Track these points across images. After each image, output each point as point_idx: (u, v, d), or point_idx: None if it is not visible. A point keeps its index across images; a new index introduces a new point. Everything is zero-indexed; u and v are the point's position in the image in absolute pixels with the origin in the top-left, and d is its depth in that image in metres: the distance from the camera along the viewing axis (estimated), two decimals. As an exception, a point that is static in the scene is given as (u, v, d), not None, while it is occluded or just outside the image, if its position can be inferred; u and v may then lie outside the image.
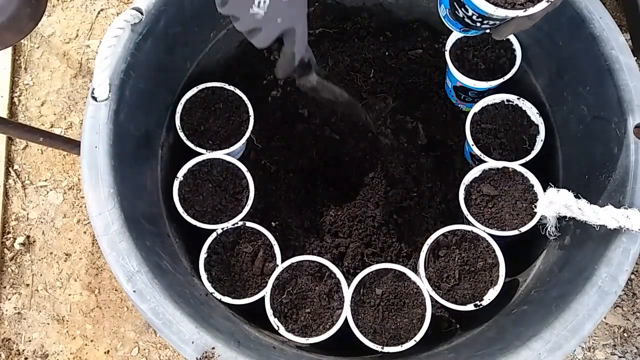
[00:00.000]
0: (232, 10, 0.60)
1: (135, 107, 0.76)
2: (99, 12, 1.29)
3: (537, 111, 0.83)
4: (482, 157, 0.82)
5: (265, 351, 0.69)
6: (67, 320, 1.11)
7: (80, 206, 1.17)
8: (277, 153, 0.96)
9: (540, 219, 0.77)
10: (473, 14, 0.64)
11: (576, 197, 0.69)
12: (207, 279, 0.77)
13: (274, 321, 0.75)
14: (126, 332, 1.10)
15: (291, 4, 0.62)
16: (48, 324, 1.11)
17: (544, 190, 0.76)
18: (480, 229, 0.77)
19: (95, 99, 0.71)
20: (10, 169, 1.20)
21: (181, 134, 0.83)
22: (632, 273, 1.07)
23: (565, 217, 0.71)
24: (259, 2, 0.59)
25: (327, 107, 0.85)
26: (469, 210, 0.79)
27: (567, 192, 0.71)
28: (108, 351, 1.09)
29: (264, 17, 0.60)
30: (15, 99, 1.24)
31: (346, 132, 0.97)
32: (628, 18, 1.17)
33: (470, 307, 0.74)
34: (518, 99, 0.84)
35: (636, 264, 1.02)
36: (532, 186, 0.79)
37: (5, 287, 1.14)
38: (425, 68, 0.99)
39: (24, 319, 1.12)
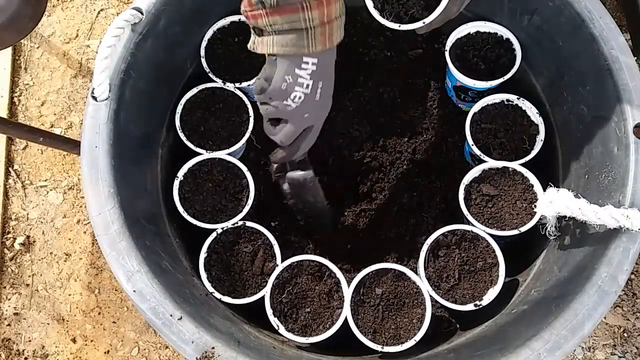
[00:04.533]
0: (267, 98, 0.67)
1: (136, 107, 0.76)
2: (99, 12, 1.29)
3: (537, 111, 0.83)
4: (482, 157, 0.82)
5: (265, 351, 0.69)
6: (67, 320, 1.11)
7: (80, 206, 1.17)
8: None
9: (540, 218, 0.77)
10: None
11: (576, 197, 0.69)
12: (207, 278, 0.77)
13: (274, 321, 0.75)
14: (126, 332, 1.10)
15: (322, 105, 0.68)
16: (48, 324, 1.11)
17: (544, 190, 0.76)
18: (480, 229, 0.77)
19: (95, 98, 0.71)
20: (10, 169, 1.20)
21: (181, 135, 0.83)
22: (632, 273, 1.07)
23: (565, 217, 0.71)
24: (295, 97, 0.65)
25: (296, 207, 0.86)
26: (468, 210, 0.79)
27: (567, 192, 0.71)
28: (108, 351, 1.09)
29: (294, 110, 0.66)
30: (15, 99, 1.24)
31: (346, 133, 0.97)
32: (628, 18, 1.17)
33: (470, 307, 0.74)
34: (518, 98, 0.84)
35: (636, 264, 1.02)
36: (532, 186, 0.79)
37: (5, 287, 1.14)
38: (425, 68, 0.98)
39: (24, 319, 1.12)
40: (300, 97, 0.65)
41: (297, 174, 0.79)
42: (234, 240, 0.80)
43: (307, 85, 0.65)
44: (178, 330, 0.63)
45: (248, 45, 0.66)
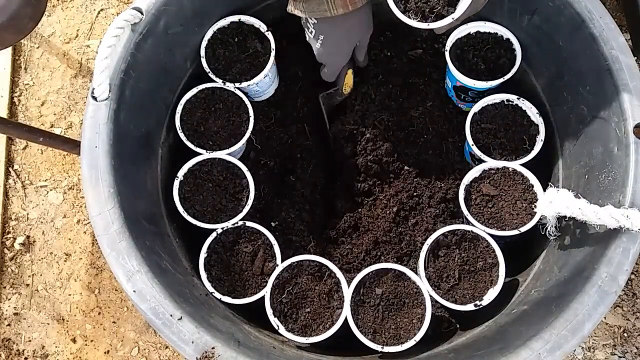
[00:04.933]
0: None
1: (136, 107, 0.76)
2: (99, 12, 1.29)
3: (537, 111, 0.83)
4: (482, 157, 0.82)
5: (265, 351, 0.69)
6: (67, 320, 1.11)
7: (80, 206, 1.17)
8: (277, 153, 0.96)
9: (540, 218, 0.77)
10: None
11: (576, 197, 0.69)
12: (207, 278, 0.77)
13: (274, 321, 0.75)
14: (126, 332, 1.10)
15: (325, 52, 0.86)
16: (48, 324, 1.11)
17: (544, 190, 0.76)
18: (480, 229, 0.77)
19: (95, 98, 0.71)
20: (10, 169, 1.20)
21: (181, 135, 0.83)
22: (632, 273, 1.07)
23: (565, 217, 0.71)
24: (307, 37, 0.86)
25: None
26: (469, 210, 0.79)
27: (567, 192, 0.71)
28: (108, 351, 1.09)
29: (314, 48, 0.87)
30: (15, 99, 1.24)
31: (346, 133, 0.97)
32: (628, 18, 1.17)
33: (470, 307, 0.74)
34: (518, 98, 0.84)
35: (636, 264, 1.02)
36: (532, 186, 0.79)
37: (5, 287, 1.14)
38: (425, 68, 0.99)
39: (24, 319, 1.12)
40: (308, 39, 0.86)
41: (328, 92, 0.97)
42: (234, 240, 0.80)
43: (312, 36, 0.84)
44: (178, 330, 0.63)
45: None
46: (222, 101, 0.86)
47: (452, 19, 0.62)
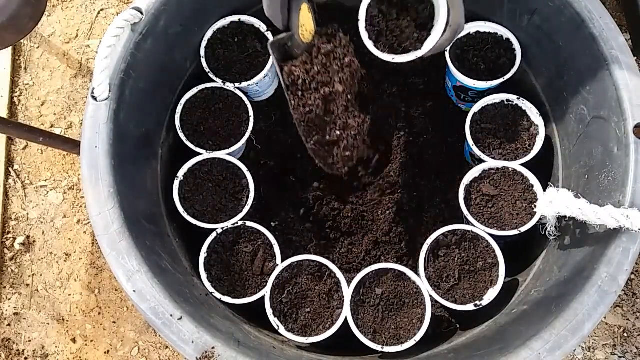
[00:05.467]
0: None
1: (136, 107, 0.76)
2: (99, 12, 1.29)
3: (537, 111, 0.83)
4: (482, 157, 0.82)
5: (265, 351, 0.69)
6: (67, 320, 1.11)
7: (80, 206, 1.17)
8: (277, 153, 0.96)
9: (540, 218, 0.77)
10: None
11: (576, 197, 0.69)
12: (207, 278, 0.77)
13: (274, 321, 0.75)
14: (126, 332, 1.10)
15: None
16: (48, 324, 1.11)
17: (544, 190, 0.76)
18: (480, 229, 0.77)
19: (95, 98, 0.71)
20: (10, 169, 1.20)
21: (181, 135, 0.83)
22: (632, 273, 1.07)
23: (565, 217, 0.71)
24: None
25: None
26: (468, 210, 0.79)
27: (567, 192, 0.71)
28: (108, 351, 1.09)
29: None
30: (15, 99, 1.24)
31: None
32: (628, 18, 1.17)
33: (470, 307, 0.74)
34: (518, 98, 0.84)
35: (636, 264, 1.02)
36: (532, 186, 0.79)
37: (5, 287, 1.14)
38: (425, 68, 0.98)
39: (24, 319, 1.12)
40: None
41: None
42: (234, 240, 0.80)
43: None
44: (178, 330, 0.63)
45: None
46: (222, 101, 0.86)
47: (416, 56, 0.65)
